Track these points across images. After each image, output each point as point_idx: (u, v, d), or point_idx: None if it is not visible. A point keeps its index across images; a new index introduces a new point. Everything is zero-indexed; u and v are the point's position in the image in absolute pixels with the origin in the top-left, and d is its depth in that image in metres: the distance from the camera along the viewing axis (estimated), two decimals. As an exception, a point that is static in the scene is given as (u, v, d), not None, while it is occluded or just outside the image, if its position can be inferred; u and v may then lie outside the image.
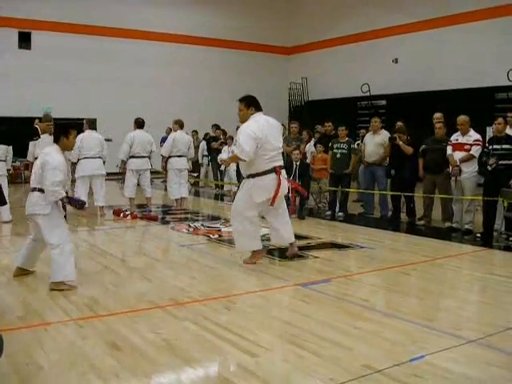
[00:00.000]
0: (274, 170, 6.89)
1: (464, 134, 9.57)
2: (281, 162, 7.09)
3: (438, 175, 10.04)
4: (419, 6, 20.50)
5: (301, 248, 8.08)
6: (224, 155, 15.82)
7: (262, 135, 6.72)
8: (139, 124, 11.75)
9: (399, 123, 11.52)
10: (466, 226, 9.51)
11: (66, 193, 6.07)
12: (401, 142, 10.52)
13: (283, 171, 7.11)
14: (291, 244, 7.48)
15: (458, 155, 9.53)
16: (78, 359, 4.04)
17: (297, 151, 11.26)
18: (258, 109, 7.02)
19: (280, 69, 26.52)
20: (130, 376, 3.77)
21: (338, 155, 11.25)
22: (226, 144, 16.47)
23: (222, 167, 16.35)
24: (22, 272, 6.50)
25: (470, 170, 9.43)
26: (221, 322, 4.87)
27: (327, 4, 24.25)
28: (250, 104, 7.02)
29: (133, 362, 4.00)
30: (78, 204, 6.12)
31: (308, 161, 12.52)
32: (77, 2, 21.17)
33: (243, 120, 7.00)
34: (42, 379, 3.73)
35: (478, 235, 9.07)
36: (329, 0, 24.00)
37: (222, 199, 15.25)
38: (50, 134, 10.03)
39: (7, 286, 6.11)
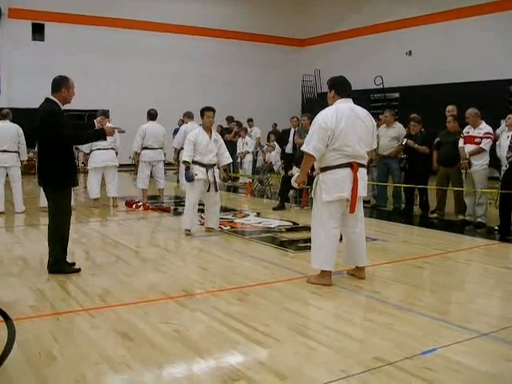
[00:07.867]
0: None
1: (475, 126, 9.52)
2: None
3: (451, 168, 9.98)
4: (433, -2, 20.39)
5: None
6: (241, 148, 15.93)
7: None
8: (151, 116, 11.80)
9: (413, 115, 11.37)
10: (479, 220, 9.46)
11: None
12: (416, 145, 10.46)
13: None
14: (361, 268, 6.09)
15: (469, 148, 9.48)
16: (89, 349, 4.05)
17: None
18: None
19: (293, 61, 26.46)
20: (141, 366, 3.78)
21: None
22: (240, 136, 16.46)
23: (238, 159, 16.33)
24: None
25: (479, 162, 9.39)
26: (233, 313, 4.86)
27: (340, -4, 24.16)
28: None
29: (144, 352, 4.01)
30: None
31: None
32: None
33: None
34: (53, 368, 3.74)
35: (496, 228, 9.01)
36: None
37: (236, 191, 15.24)
38: None
39: (20, 275, 6.14)
